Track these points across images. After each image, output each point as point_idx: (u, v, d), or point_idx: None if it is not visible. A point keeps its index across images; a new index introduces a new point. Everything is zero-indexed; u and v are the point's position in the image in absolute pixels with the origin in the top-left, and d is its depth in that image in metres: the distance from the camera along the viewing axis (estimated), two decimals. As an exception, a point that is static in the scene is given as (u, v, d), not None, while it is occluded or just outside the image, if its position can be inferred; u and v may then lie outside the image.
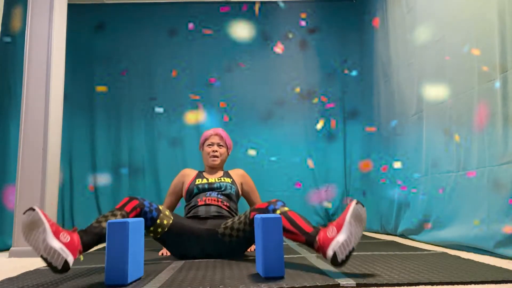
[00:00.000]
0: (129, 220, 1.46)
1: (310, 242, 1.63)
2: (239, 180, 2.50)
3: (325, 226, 1.64)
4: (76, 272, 1.75)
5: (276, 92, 4.18)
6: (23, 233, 1.43)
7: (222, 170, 2.55)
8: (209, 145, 2.47)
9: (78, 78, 4.01)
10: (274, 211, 1.83)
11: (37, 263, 2.14)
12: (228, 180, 2.41)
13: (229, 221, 2.04)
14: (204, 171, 2.53)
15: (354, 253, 2.06)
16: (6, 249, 2.72)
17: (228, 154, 2.56)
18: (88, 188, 3.96)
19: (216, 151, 2.46)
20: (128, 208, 1.84)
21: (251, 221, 1.90)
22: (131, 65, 4.17)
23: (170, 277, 1.54)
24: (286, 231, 1.70)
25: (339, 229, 1.51)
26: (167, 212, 2.03)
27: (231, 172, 2.53)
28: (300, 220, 1.72)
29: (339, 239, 1.48)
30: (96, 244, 1.67)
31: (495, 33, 1.93)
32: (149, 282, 1.46)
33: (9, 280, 1.58)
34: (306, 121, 4.17)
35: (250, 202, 2.53)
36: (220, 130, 2.53)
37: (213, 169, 2.50)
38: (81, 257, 1.58)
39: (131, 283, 1.44)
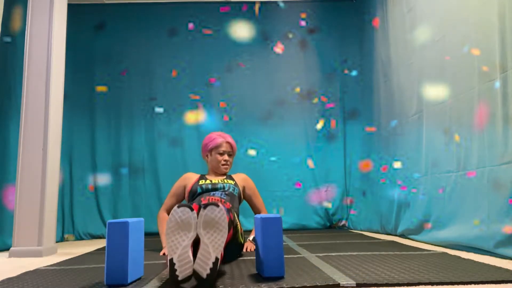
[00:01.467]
0: (129, 220, 1.46)
1: None
2: (242, 183, 2.52)
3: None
4: (76, 272, 1.75)
5: (276, 92, 4.18)
6: (169, 226, 1.34)
7: (225, 174, 2.57)
8: (221, 153, 2.49)
9: (78, 78, 4.01)
10: None
11: (37, 263, 2.14)
12: (231, 182, 2.45)
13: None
14: (206, 174, 2.55)
15: (355, 253, 2.06)
16: (6, 249, 2.72)
17: None
18: (88, 188, 3.96)
19: (228, 160, 2.50)
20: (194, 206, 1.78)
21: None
22: (131, 65, 4.17)
23: (170, 277, 1.54)
24: None
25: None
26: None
27: (234, 176, 2.57)
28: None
29: (197, 256, 1.33)
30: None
31: (495, 33, 1.93)
32: (149, 282, 1.46)
33: (9, 280, 1.58)
34: (306, 121, 4.17)
35: (253, 206, 2.55)
36: (230, 138, 2.54)
37: (218, 174, 2.53)
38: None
39: (131, 283, 1.44)
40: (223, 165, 2.48)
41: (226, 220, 1.40)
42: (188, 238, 1.34)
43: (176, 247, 1.34)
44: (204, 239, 1.35)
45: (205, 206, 1.39)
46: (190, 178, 2.49)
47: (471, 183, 2.14)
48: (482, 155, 2.04)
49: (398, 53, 3.17)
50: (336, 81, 4.23)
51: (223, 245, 1.37)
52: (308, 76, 4.23)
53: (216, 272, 1.33)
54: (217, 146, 2.49)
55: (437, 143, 2.52)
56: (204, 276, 1.30)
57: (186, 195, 2.43)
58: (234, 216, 1.98)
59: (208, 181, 2.41)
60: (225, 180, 2.45)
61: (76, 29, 3.86)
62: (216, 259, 1.32)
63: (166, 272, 1.65)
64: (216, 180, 2.43)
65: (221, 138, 2.51)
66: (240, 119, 4.12)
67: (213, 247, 1.33)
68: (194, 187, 2.38)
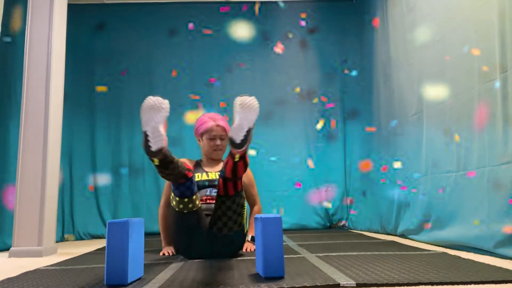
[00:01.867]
0: (129, 220, 1.46)
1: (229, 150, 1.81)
2: None
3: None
4: (76, 272, 1.75)
5: (276, 92, 4.18)
6: (145, 107, 1.59)
7: (222, 161, 2.48)
8: (212, 138, 2.37)
9: (78, 78, 4.01)
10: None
11: (37, 263, 2.14)
12: None
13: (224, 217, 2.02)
14: (202, 162, 2.48)
15: (355, 253, 2.06)
16: (6, 249, 2.72)
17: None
18: (88, 188, 3.96)
19: (220, 145, 2.37)
20: (187, 166, 1.94)
21: (218, 194, 1.97)
22: (131, 65, 4.17)
23: (170, 277, 1.54)
24: (227, 163, 1.87)
25: (233, 122, 1.70)
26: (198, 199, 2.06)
27: None
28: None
29: (233, 126, 1.68)
30: (168, 161, 1.78)
31: (495, 33, 1.93)
32: (149, 282, 1.46)
33: (9, 280, 1.58)
34: (306, 121, 4.17)
35: (248, 195, 2.48)
36: (220, 120, 2.39)
37: (213, 160, 2.45)
38: (157, 160, 1.72)
39: (131, 283, 1.44)
40: (214, 150, 2.37)
41: (258, 105, 1.71)
42: (160, 116, 1.60)
43: (149, 120, 1.59)
44: (240, 116, 1.67)
45: (241, 95, 1.72)
46: None
47: (471, 183, 2.13)
48: (482, 155, 2.04)
49: (398, 53, 3.17)
50: (336, 81, 4.23)
51: (253, 121, 1.68)
52: (308, 76, 4.23)
53: (248, 139, 1.67)
54: (208, 130, 2.36)
55: (437, 143, 2.51)
56: (238, 141, 1.65)
57: None
58: (243, 188, 2.04)
59: (204, 176, 2.34)
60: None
61: (76, 29, 3.86)
62: (249, 128, 1.67)
63: (166, 272, 1.65)
64: (213, 174, 2.37)
65: (211, 121, 2.37)
66: (240, 119, 4.11)
67: (246, 120, 1.66)
68: None
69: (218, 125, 2.36)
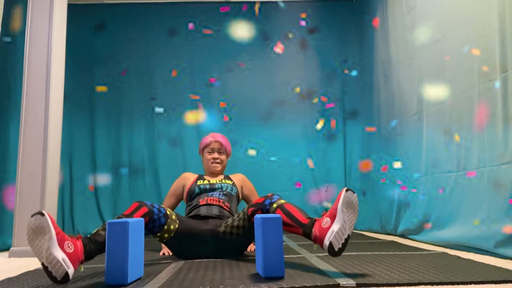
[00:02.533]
0: (129, 220, 1.46)
1: (307, 233, 1.67)
2: (239, 183, 2.53)
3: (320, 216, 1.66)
4: (76, 272, 1.75)
5: (276, 92, 4.18)
6: (28, 236, 1.40)
7: (223, 175, 2.58)
8: (210, 152, 2.49)
9: (78, 78, 4.01)
10: (270, 204, 1.86)
11: (37, 263, 2.14)
12: (229, 182, 2.45)
13: (229, 220, 2.06)
14: (204, 175, 2.55)
15: (355, 253, 2.07)
16: (6, 249, 2.72)
17: (228, 158, 2.59)
18: (88, 188, 3.96)
19: (217, 158, 2.48)
20: (137, 215, 1.83)
21: (250, 217, 1.93)
22: (131, 65, 4.17)
23: (170, 277, 1.54)
24: (284, 223, 1.74)
25: (332, 219, 1.55)
26: (174, 216, 2.04)
27: (231, 176, 2.56)
28: (297, 212, 1.77)
29: (334, 229, 1.51)
30: (100, 253, 1.63)
31: (495, 33, 1.93)
32: (149, 282, 1.46)
33: (9, 280, 1.58)
34: (306, 121, 4.17)
35: (248, 203, 2.54)
36: (220, 137, 2.54)
37: (213, 174, 2.52)
38: (81, 268, 1.55)
39: (131, 283, 1.44)
40: (212, 163, 2.47)
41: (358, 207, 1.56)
42: (47, 240, 1.39)
43: (40, 252, 1.38)
44: (344, 216, 1.51)
45: (347, 189, 1.54)
46: (188, 178, 2.49)
47: (471, 183, 2.13)
48: (482, 155, 2.04)
49: (398, 53, 3.17)
50: (336, 81, 4.23)
51: (353, 226, 1.53)
52: (308, 76, 4.23)
53: (346, 247, 1.50)
54: (207, 145, 2.51)
55: (437, 143, 2.51)
56: (336, 249, 1.48)
57: (185, 195, 2.43)
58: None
59: (206, 182, 2.41)
60: (223, 180, 2.45)
61: (76, 29, 3.86)
62: (349, 236, 1.50)
63: (166, 272, 1.65)
64: (214, 180, 2.43)
65: (210, 137, 2.52)
66: (240, 119, 4.12)
67: (349, 225, 1.50)
68: (192, 188, 2.38)
69: (216, 141, 2.50)
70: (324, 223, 1.56)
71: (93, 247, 1.60)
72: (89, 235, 1.66)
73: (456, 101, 2.31)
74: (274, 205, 1.84)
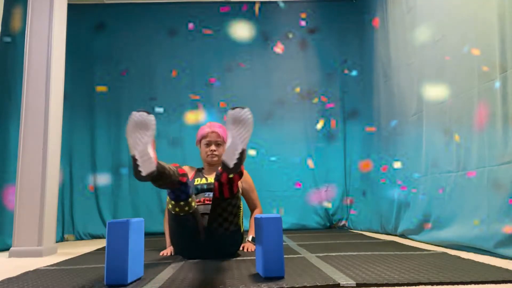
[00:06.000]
0: (129, 220, 1.46)
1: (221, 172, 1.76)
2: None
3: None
4: (76, 272, 1.75)
5: (276, 92, 4.19)
6: (131, 127, 1.47)
7: (217, 164, 2.51)
8: (207, 144, 2.41)
9: (78, 78, 4.01)
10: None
11: (37, 263, 2.14)
12: None
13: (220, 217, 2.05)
14: (202, 169, 2.52)
15: (355, 253, 2.07)
16: (6, 249, 2.71)
17: None
18: (88, 188, 3.96)
19: (215, 150, 2.41)
20: (180, 171, 1.87)
21: (214, 197, 1.97)
22: (131, 65, 4.17)
23: (170, 277, 1.54)
24: (221, 174, 1.88)
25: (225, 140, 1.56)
26: (194, 197, 2.05)
27: None
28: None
29: (225, 148, 1.53)
30: (160, 177, 1.64)
31: (495, 33, 1.93)
32: (149, 282, 1.46)
33: (9, 280, 1.58)
34: (306, 121, 4.17)
35: (248, 200, 2.52)
36: (218, 127, 2.45)
37: (212, 167, 2.48)
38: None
39: (131, 283, 1.44)
40: (209, 155, 2.41)
41: (252, 119, 1.56)
42: (147, 136, 1.47)
43: (136, 144, 1.46)
44: (232, 133, 1.52)
45: (233, 108, 1.56)
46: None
47: (471, 183, 2.13)
48: (482, 155, 2.04)
49: (398, 53, 3.17)
50: (336, 81, 4.23)
51: (248, 139, 1.52)
52: (308, 76, 4.23)
53: (242, 162, 1.49)
54: (204, 137, 2.42)
55: (437, 143, 2.52)
56: (231, 165, 1.48)
57: None
58: (239, 190, 2.04)
59: (203, 180, 2.37)
60: None
61: (76, 29, 3.86)
62: (242, 149, 1.49)
63: (166, 272, 1.65)
64: (211, 178, 2.39)
65: (208, 128, 2.42)
66: (240, 119, 4.11)
67: (240, 139, 1.50)
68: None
69: (213, 131, 2.41)
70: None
71: (160, 166, 1.62)
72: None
73: (456, 101, 2.31)
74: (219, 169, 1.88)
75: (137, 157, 1.44)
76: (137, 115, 1.48)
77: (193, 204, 2.00)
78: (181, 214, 1.98)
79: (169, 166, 1.78)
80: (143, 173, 1.44)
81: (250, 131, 1.54)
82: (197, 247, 2.04)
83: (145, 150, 1.45)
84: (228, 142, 1.52)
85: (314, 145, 4.13)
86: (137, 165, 1.44)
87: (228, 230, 2.03)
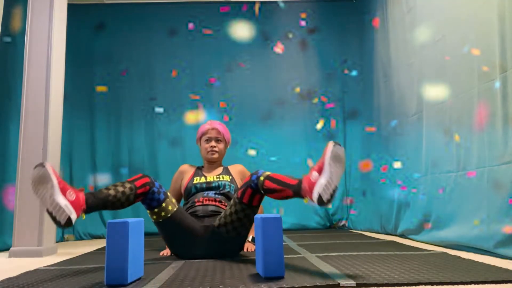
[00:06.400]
0: (129, 220, 1.46)
1: (296, 192, 1.70)
2: (238, 176, 2.47)
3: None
4: (76, 272, 1.75)
5: (276, 92, 4.19)
6: (32, 186, 1.51)
7: (221, 166, 2.51)
8: (207, 140, 2.42)
9: (78, 78, 4.01)
10: (258, 178, 1.88)
11: (37, 263, 2.14)
12: (227, 178, 2.38)
13: (222, 212, 2.07)
14: (202, 167, 2.51)
15: (355, 253, 2.07)
16: (6, 249, 2.72)
17: (227, 147, 2.53)
18: (88, 188, 3.96)
19: (215, 146, 2.42)
20: (138, 183, 1.89)
21: (241, 199, 1.95)
22: (131, 65, 4.17)
23: (170, 277, 1.54)
24: (274, 191, 1.79)
25: (320, 172, 1.59)
26: (174, 201, 2.05)
27: (230, 168, 2.50)
28: (284, 177, 1.81)
29: (321, 182, 1.54)
30: (100, 209, 1.74)
31: (495, 33, 1.93)
32: (149, 282, 1.46)
33: (9, 280, 1.58)
34: (306, 121, 4.17)
35: None
36: (217, 124, 2.46)
37: (212, 164, 2.47)
38: (83, 216, 1.64)
39: (131, 283, 1.44)
40: (209, 151, 2.41)
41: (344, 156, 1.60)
42: (49, 188, 1.52)
43: (45, 199, 1.51)
44: (331, 168, 1.56)
45: (335, 144, 1.62)
46: (186, 172, 2.46)
47: (471, 183, 2.13)
48: (482, 155, 2.04)
49: (398, 53, 3.17)
50: (336, 81, 4.23)
51: (340, 178, 1.57)
52: (308, 76, 4.23)
53: (334, 197, 1.52)
54: (204, 133, 2.44)
55: (437, 143, 2.52)
56: (325, 200, 1.50)
57: (182, 190, 2.40)
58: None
59: (203, 179, 2.36)
60: (221, 176, 2.38)
61: (76, 29, 3.86)
62: (336, 187, 1.53)
63: (166, 272, 1.65)
64: (211, 177, 2.38)
65: (207, 125, 2.45)
66: (240, 119, 4.12)
67: (336, 177, 1.54)
68: (189, 186, 2.35)
69: (214, 128, 2.43)
70: (313, 177, 1.60)
71: (94, 200, 1.69)
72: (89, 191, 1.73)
73: (456, 101, 2.31)
74: (261, 178, 1.86)
75: (50, 210, 1.50)
76: (34, 172, 1.51)
77: (169, 207, 2.00)
78: (160, 220, 2.01)
79: (116, 187, 1.82)
80: (62, 222, 1.50)
81: (344, 169, 1.60)
82: (193, 248, 2.04)
83: (53, 202, 1.50)
84: (325, 176, 1.55)
85: (314, 145, 4.13)
86: (54, 217, 1.50)
87: (240, 235, 2.04)
